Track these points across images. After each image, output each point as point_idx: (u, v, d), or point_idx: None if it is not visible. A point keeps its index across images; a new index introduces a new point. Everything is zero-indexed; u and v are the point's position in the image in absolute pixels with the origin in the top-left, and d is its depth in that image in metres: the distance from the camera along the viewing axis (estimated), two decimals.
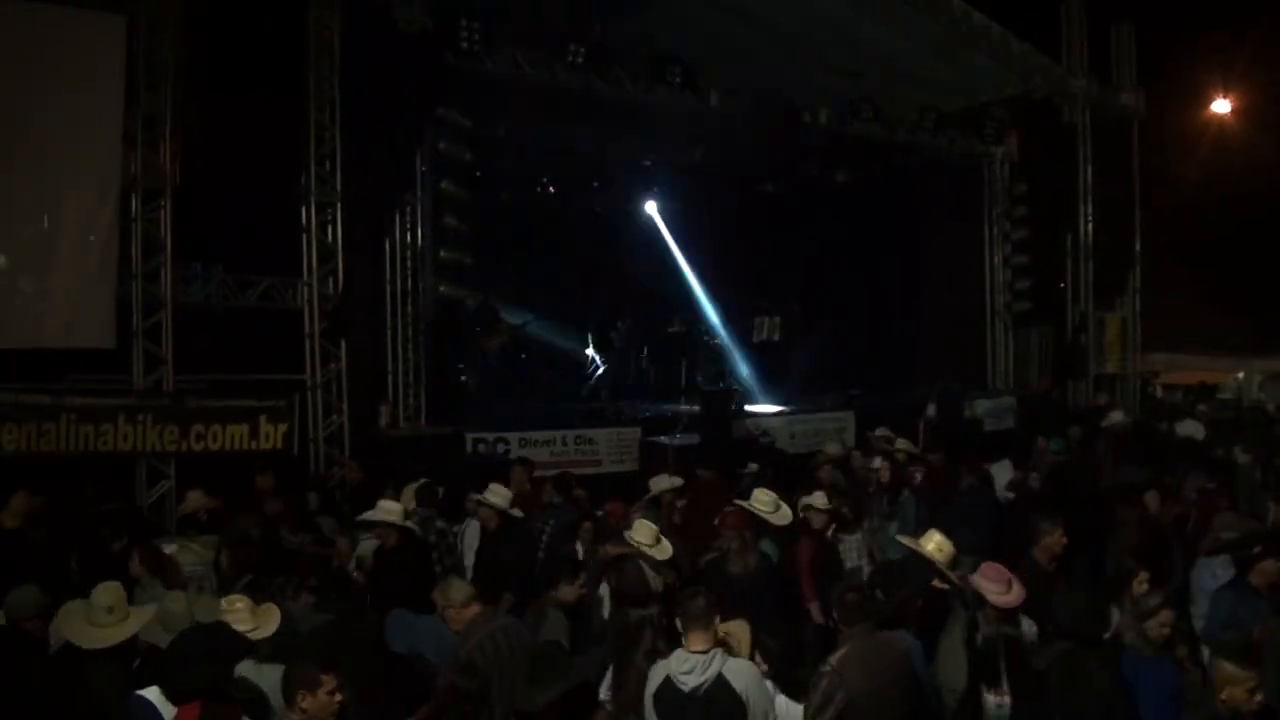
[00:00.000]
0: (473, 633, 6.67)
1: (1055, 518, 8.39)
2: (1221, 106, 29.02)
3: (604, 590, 8.34)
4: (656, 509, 10.63)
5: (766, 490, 9.55)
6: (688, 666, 5.62)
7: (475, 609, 6.89)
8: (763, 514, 9.24)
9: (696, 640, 5.69)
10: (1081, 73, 20.17)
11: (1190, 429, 15.45)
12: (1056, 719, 6.12)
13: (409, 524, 9.13)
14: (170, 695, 4.74)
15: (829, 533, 9.73)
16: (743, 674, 5.64)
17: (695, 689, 5.55)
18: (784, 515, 9.34)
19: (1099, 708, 6.01)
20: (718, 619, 5.84)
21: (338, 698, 5.05)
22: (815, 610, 8.95)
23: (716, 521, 9.88)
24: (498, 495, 9.73)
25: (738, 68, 17.08)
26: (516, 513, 9.77)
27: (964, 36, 17.83)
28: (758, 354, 21.84)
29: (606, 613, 8.10)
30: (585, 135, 20.13)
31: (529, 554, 9.64)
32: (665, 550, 8.53)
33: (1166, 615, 6.15)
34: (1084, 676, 6.18)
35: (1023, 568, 7.69)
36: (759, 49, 16.86)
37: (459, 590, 6.96)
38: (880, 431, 14.48)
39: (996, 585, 6.66)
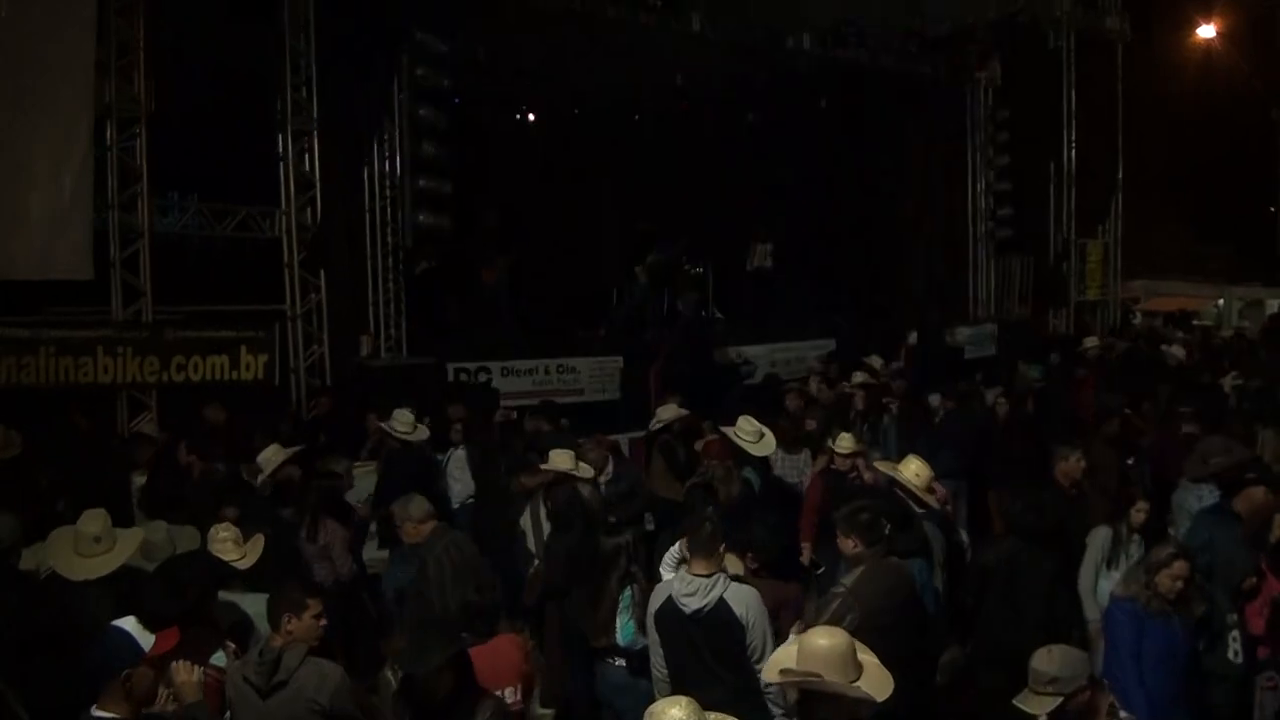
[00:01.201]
0: (432, 547, 6.88)
1: (1073, 442, 8.58)
2: (1206, 31, 28.92)
3: (524, 521, 8.48)
4: (670, 433, 10.58)
5: (750, 419, 9.55)
6: (691, 589, 5.64)
7: (432, 525, 7.03)
8: (745, 444, 9.24)
9: (701, 565, 5.70)
10: None
11: (1173, 354, 15.53)
12: (1004, 610, 6.63)
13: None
14: (147, 622, 4.74)
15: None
16: (744, 598, 5.66)
17: (697, 611, 5.58)
18: (766, 445, 9.33)
19: (1040, 598, 6.62)
20: (723, 546, 5.87)
21: (323, 621, 5.07)
22: (807, 551, 8.83)
23: (699, 448, 9.94)
24: (402, 423, 9.83)
25: None
26: (422, 432, 9.93)
27: None
28: (742, 282, 21.73)
29: (532, 542, 8.34)
30: (565, 59, 19.91)
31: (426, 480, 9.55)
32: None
33: (1180, 567, 5.85)
34: (1028, 569, 6.70)
35: (1047, 494, 7.79)
36: None
37: (418, 506, 7.08)
38: (870, 359, 14.50)
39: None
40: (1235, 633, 6.24)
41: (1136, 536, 7.32)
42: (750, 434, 9.29)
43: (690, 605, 5.61)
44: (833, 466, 9.18)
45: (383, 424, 10.05)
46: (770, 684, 4.35)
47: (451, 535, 7.08)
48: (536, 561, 8.25)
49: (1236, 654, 6.25)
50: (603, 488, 9.14)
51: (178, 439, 10.19)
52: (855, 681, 4.23)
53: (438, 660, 4.64)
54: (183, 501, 7.77)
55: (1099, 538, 7.37)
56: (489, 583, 6.88)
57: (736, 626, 5.56)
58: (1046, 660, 4.72)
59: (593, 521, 7.79)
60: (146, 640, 4.47)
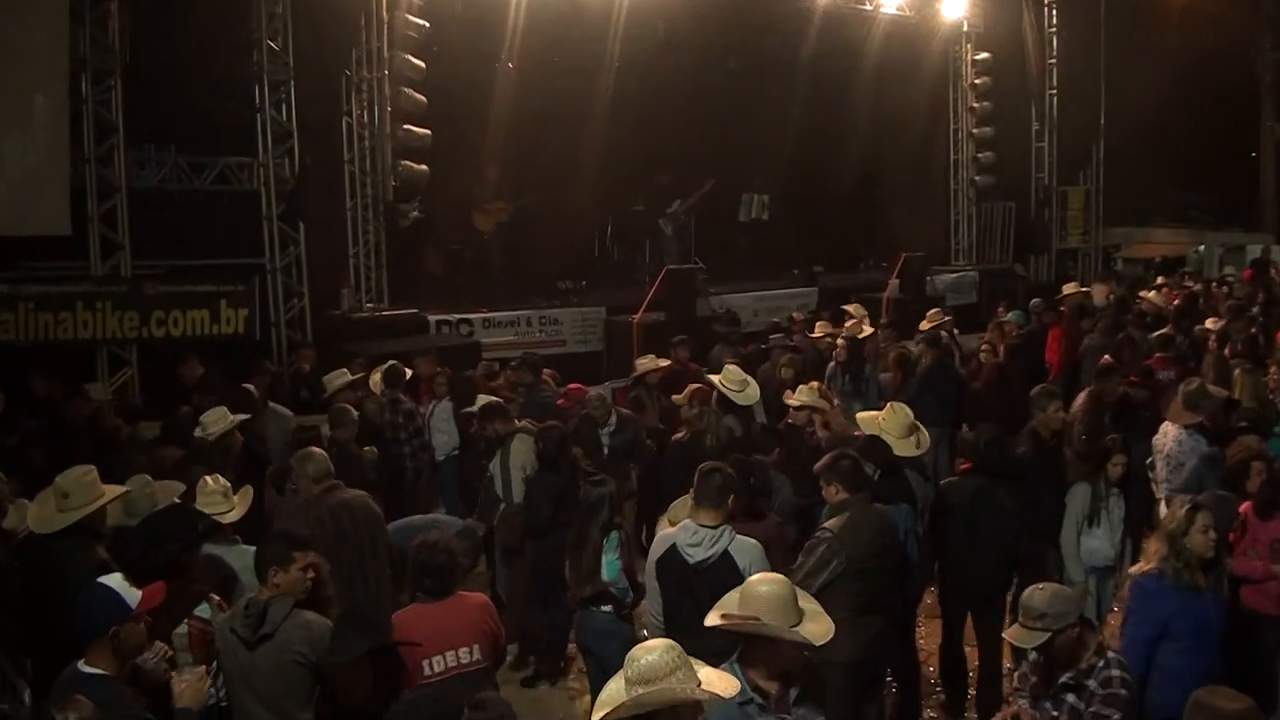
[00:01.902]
0: (313, 506, 6.68)
1: (1052, 391, 8.56)
2: None
3: (494, 466, 8.54)
4: (643, 386, 10.73)
5: (736, 368, 9.60)
6: (696, 540, 5.68)
7: (326, 484, 6.85)
8: (730, 392, 9.30)
9: (707, 515, 5.73)
10: None
11: (1152, 300, 15.58)
12: (966, 543, 6.98)
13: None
14: (132, 577, 4.75)
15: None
16: (747, 551, 5.70)
17: (701, 562, 5.62)
18: (751, 394, 9.39)
19: (1005, 531, 6.99)
20: (730, 498, 5.89)
21: (310, 574, 5.09)
22: None
23: (682, 396, 9.98)
24: (339, 378, 9.86)
25: None
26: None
27: None
28: (726, 231, 21.68)
29: (499, 486, 8.41)
30: (545, 9, 19.72)
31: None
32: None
33: (1205, 517, 5.68)
34: (989, 504, 7.00)
35: (1025, 441, 8.03)
36: None
37: (316, 464, 6.93)
38: (852, 306, 14.51)
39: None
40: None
41: (1115, 490, 7.36)
42: (736, 383, 9.37)
43: (695, 556, 5.64)
44: (789, 420, 9.17)
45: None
46: (711, 627, 4.39)
47: (344, 496, 6.87)
48: (502, 505, 8.34)
49: None
50: (606, 439, 9.24)
51: (110, 402, 10.15)
52: (796, 626, 4.30)
53: (357, 651, 4.62)
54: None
55: (1078, 496, 7.39)
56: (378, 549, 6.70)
57: (739, 579, 5.57)
58: (1037, 597, 4.79)
59: (576, 467, 7.92)
60: (133, 596, 4.47)
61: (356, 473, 8.23)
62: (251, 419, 9.22)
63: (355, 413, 9.03)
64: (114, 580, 4.56)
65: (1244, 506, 6.73)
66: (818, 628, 4.40)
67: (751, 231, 21.39)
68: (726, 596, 4.53)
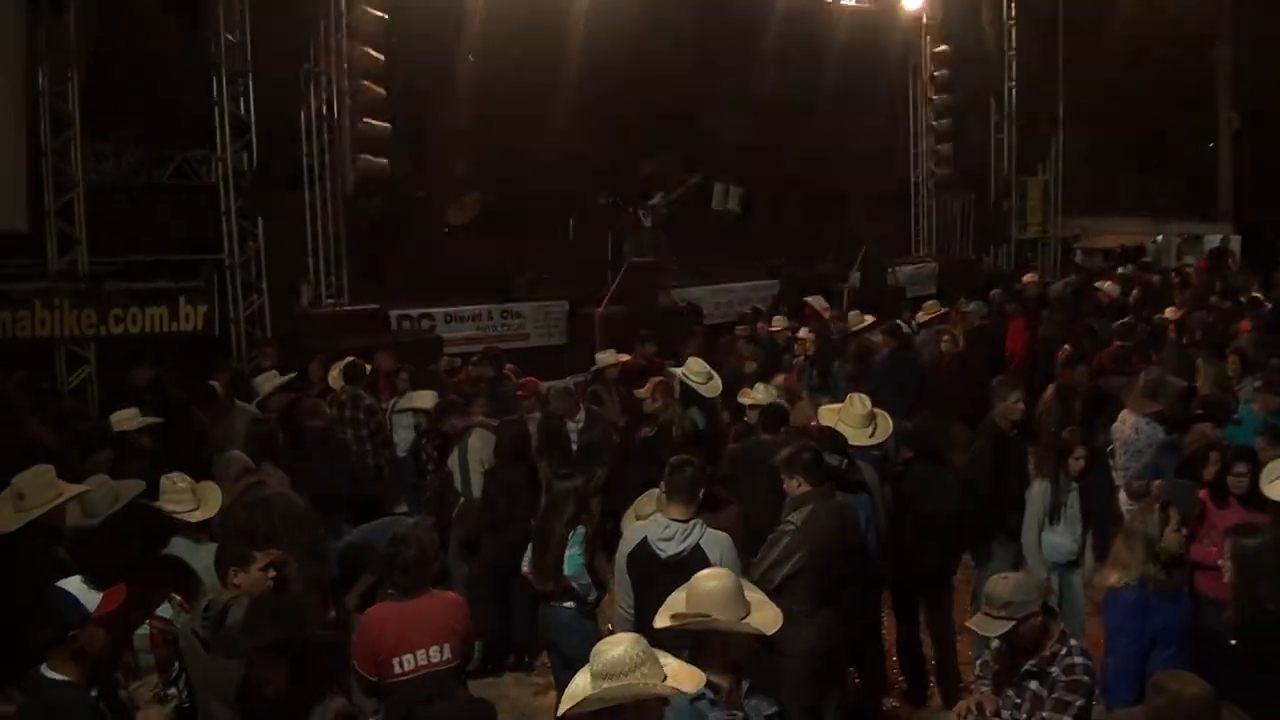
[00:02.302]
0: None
1: (1014, 382, 8.55)
2: None
3: (452, 461, 8.55)
4: (602, 381, 10.72)
5: (700, 360, 9.63)
6: (668, 534, 5.69)
7: (245, 481, 6.89)
8: (694, 384, 9.33)
9: (679, 509, 5.74)
10: None
11: (1109, 290, 15.72)
12: (919, 526, 7.19)
13: None
14: (92, 580, 4.70)
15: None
16: (719, 545, 5.71)
17: (673, 556, 5.62)
18: (714, 387, 9.43)
19: (949, 516, 7.25)
20: (702, 490, 5.91)
21: (271, 573, 5.05)
22: None
23: (645, 390, 10.00)
24: (271, 380, 9.81)
25: None
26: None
27: None
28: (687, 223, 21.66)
29: (459, 481, 8.42)
30: (503, 2, 19.70)
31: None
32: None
33: (1177, 517, 5.77)
34: (936, 486, 7.31)
35: (984, 432, 8.09)
36: None
37: (232, 463, 7.02)
38: (814, 301, 14.55)
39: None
40: None
41: (1075, 485, 7.32)
42: (700, 375, 9.41)
43: (667, 550, 5.65)
44: (745, 419, 9.07)
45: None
46: (662, 629, 4.42)
47: (264, 494, 6.82)
48: (461, 501, 8.36)
49: None
50: (575, 435, 9.22)
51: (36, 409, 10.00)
52: (745, 618, 4.33)
53: (264, 641, 4.52)
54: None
55: (1036, 493, 7.36)
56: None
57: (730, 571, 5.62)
58: (1000, 585, 4.84)
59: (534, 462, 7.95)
60: (92, 599, 4.42)
61: (343, 459, 8.27)
62: (215, 416, 9.21)
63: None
64: (72, 584, 4.52)
65: (1201, 494, 6.86)
66: (766, 616, 4.45)
67: (718, 223, 21.42)
68: (672, 596, 4.54)
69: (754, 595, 4.52)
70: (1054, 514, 7.26)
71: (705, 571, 4.59)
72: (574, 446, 9.24)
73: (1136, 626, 5.50)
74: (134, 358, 10.99)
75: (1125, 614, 5.54)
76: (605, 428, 9.54)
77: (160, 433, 8.73)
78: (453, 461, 8.59)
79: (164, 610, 5.08)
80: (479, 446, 8.49)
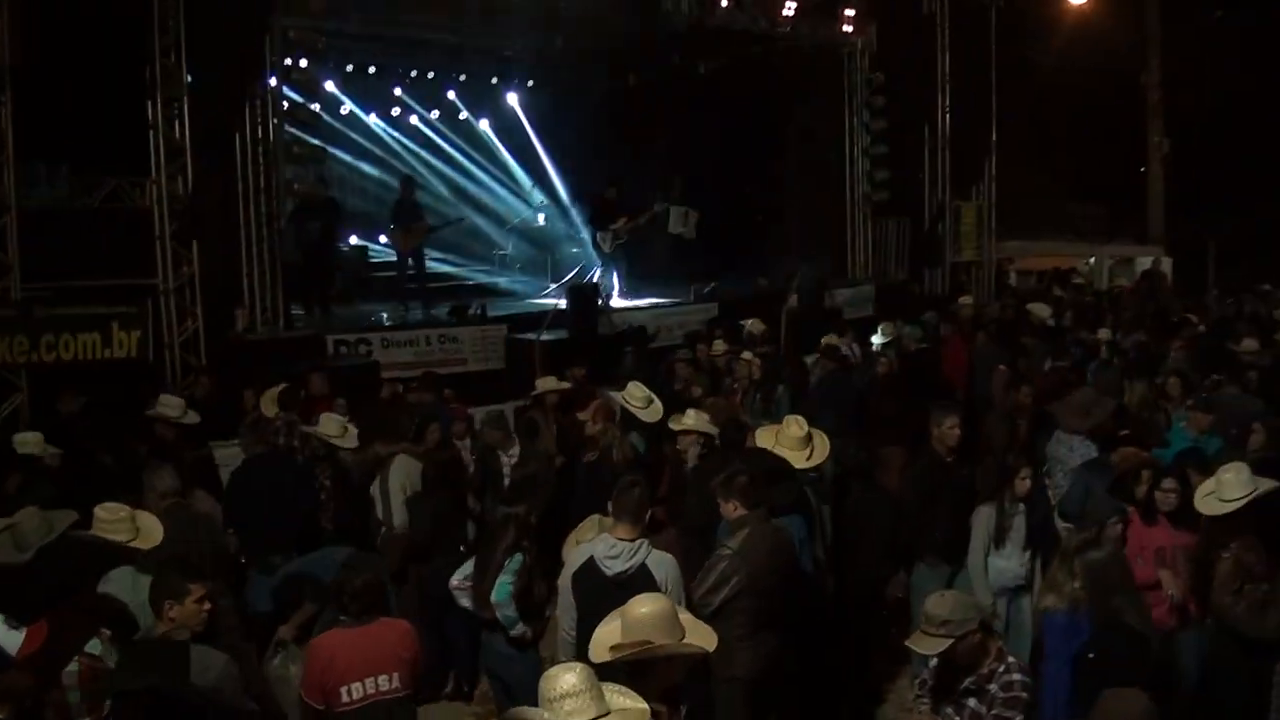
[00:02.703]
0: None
1: (950, 407, 8.51)
2: None
3: (375, 489, 8.53)
4: (540, 408, 10.63)
5: (640, 385, 9.62)
6: (614, 552, 5.74)
7: (169, 502, 6.87)
8: (634, 409, 9.32)
9: (625, 529, 5.79)
10: None
11: (1040, 311, 15.92)
12: (857, 544, 7.44)
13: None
14: (13, 620, 4.60)
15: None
16: (664, 564, 5.77)
17: (619, 574, 5.65)
18: (654, 411, 9.41)
19: (884, 530, 7.50)
20: (649, 512, 5.94)
21: (206, 606, 4.98)
22: None
23: (586, 414, 9.99)
24: (169, 406, 9.59)
25: None
26: (192, 418, 9.65)
27: None
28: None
29: (380, 510, 8.42)
30: (438, 25, 19.72)
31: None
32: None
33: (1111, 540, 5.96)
34: (868, 504, 7.59)
35: (921, 457, 8.20)
36: None
37: (161, 478, 6.99)
38: (752, 324, 14.58)
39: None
40: None
41: (1021, 507, 7.34)
42: (640, 400, 9.40)
43: (613, 568, 5.69)
44: (676, 447, 8.92)
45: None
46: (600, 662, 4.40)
47: (190, 512, 6.90)
48: (384, 529, 8.29)
49: None
50: (508, 468, 9.12)
51: None
52: (683, 640, 4.34)
53: (133, 687, 4.44)
54: None
55: (982, 518, 7.38)
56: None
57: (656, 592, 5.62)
58: (938, 604, 4.89)
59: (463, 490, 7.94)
60: (13, 640, 4.33)
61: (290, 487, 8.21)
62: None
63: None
64: None
65: (1131, 513, 6.94)
66: (704, 635, 4.46)
67: (664, 245, 21.54)
68: (604, 629, 4.53)
69: (685, 616, 4.55)
70: (1000, 538, 7.28)
71: (638, 598, 4.58)
72: (505, 480, 9.08)
73: (1068, 649, 5.55)
74: (64, 385, 10.80)
75: (1057, 637, 5.62)
76: (541, 461, 9.39)
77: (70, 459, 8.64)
78: (375, 489, 8.53)
79: (93, 647, 4.98)
80: (401, 473, 8.45)
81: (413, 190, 17.93)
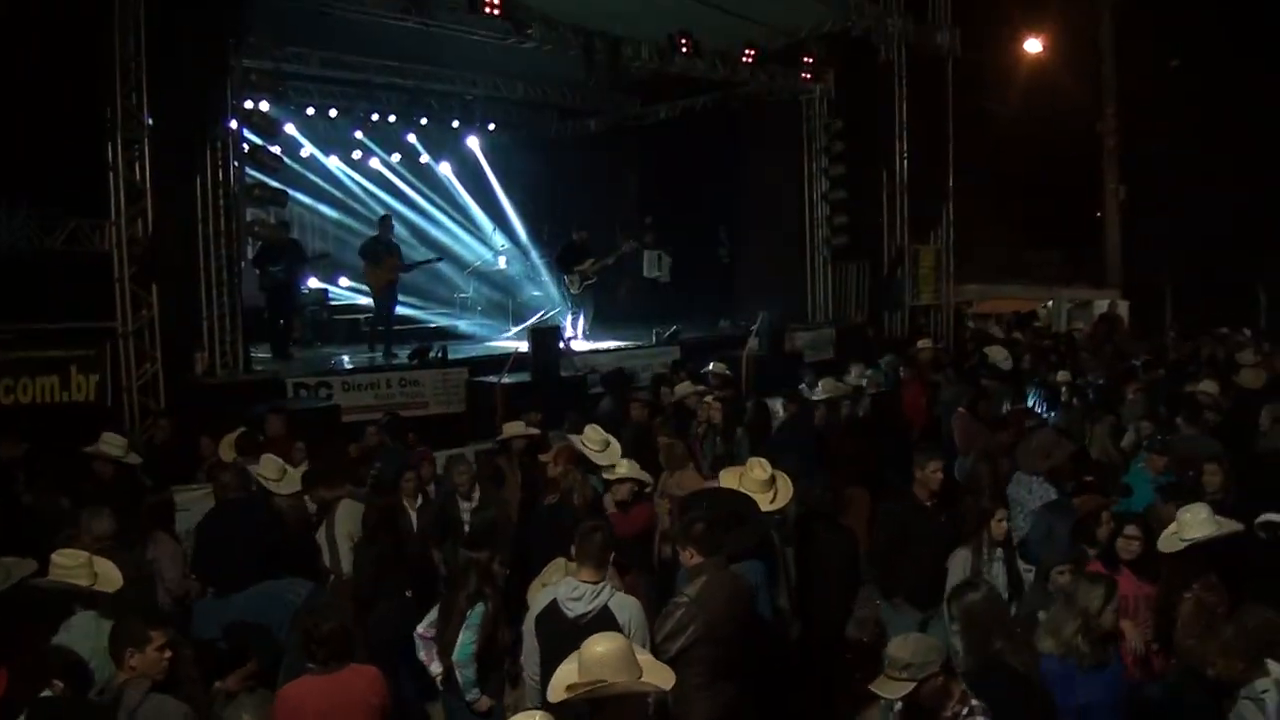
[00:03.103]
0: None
1: (931, 451, 8.43)
2: (1033, 46, 30.02)
3: (321, 535, 8.48)
4: (506, 453, 10.56)
5: (597, 428, 9.60)
6: (577, 594, 5.75)
7: (107, 544, 6.85)
8: (590, 452, 9.30)
9: (588, 573, 5.81)
10: (898, 12, 20.48)
11: (997, 355, 16.05)
12: (817, 586, 7.45)
13: None
14: None
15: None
16: (627, 607, 5.78)
17: (580, 616, 5.66)
18: (612, 454, 9.39)
19: (842, 569, 7.61)
20: (612, 555, 5.96)
21: (167, 654, 4.92)
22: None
23: (547, 457, 9.97)
24: (111, 445, 9.47)
25: (558, 1, 16.93)
26: (134, 459, 9.55)
27: None
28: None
29: (327, 557, 8.33)
30: (403, 66, 19.86)
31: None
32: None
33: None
34: (827, 544, 7.63)
35: (903, 506, 8.11)
36: None
37: (100, 522, 6.97)
38: (714, 367, 14.60)
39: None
40: None
41: (999, 551, 7.32)
42: (596, 443, 9.37)
43: (575, 610, 5.70)
44: (616, 498, 8.76)
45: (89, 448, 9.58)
46: (558, 702, 4.41)
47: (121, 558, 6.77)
48: (332, 577, 8.23)
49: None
50: (467, 513, 9.00)
51: None
52: (640, 678, 4.35)
53: None
54: None
55: (958, 563, 7.31)
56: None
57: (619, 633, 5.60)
58: (900, 647, 4.89)
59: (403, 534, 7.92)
60: None
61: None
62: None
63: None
64: None
65: (1093, 564, 6.82)
66: (662, 674, 4.47)
67: (626, 289, 21.67)
68: (562, 669, 4.53)
69: (643, 656, 4.56)
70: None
71: (594, 637, 4.61)
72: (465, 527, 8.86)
73: (1066, 701, 5.52)
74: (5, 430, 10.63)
75: (1052, 685, 5.54)
76: (501, 509, 9.21)
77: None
78: (321, 536, 8.47)
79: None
80: (346, 519, 8.39)
81: (390, 228, 17.88)
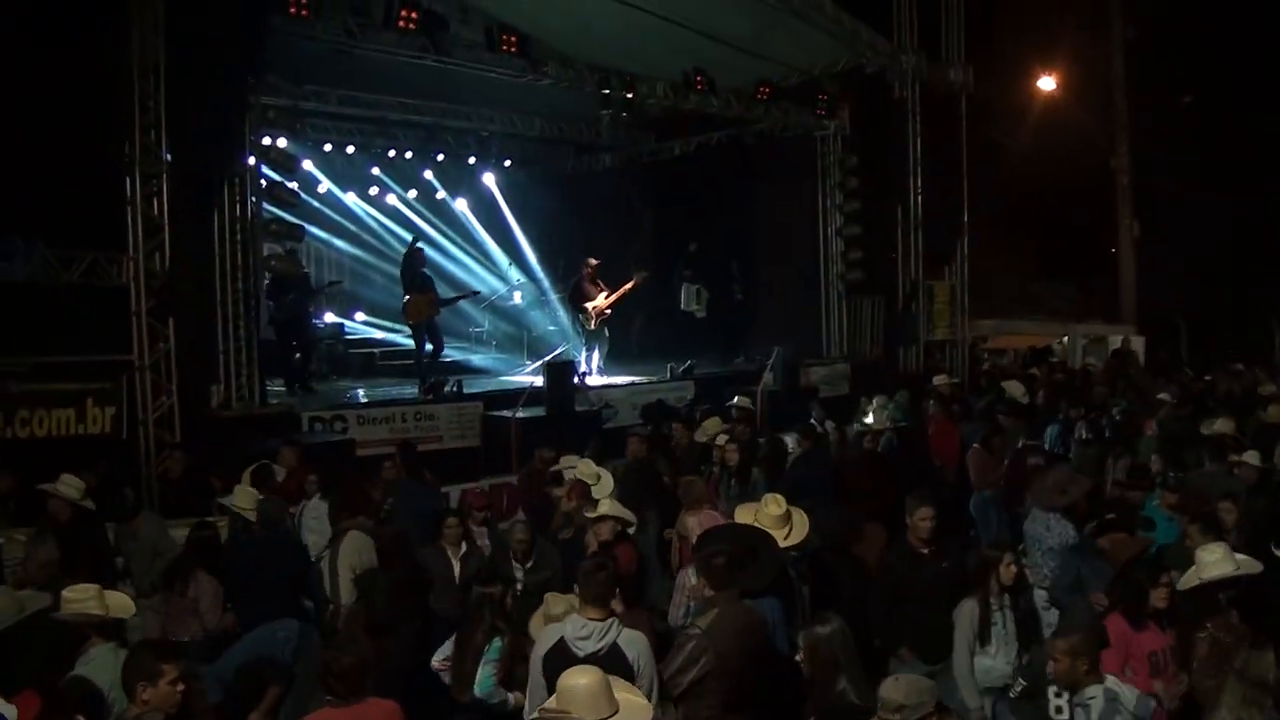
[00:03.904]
0: None
1: (924, 497, 7.98)
2: (1046, 83, 30.11)
3: (324, 564, 8.53)
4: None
5: (589, 462, 9.62)
6: (585, 633, 5.71)
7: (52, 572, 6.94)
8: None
9: (594, 611, 5.78)
10: (911, 49, 20.58)
11: (1015, 390, 16.00)
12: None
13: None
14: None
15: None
16: (635, 644, 5.74)
17: (590, 655, 5.59)
18: (604, 487, 9.40)
19: (852, 601, 7.31)
20: (618, 590, 5.97)
21: (180, 687, 4.91)
22: None
23: (562, 490, 9.97)
24: (69, 486, 9.28)
25: (573, 40, 17.07)
26: (88, 505, 9.36)
27: (797, 11, 18.01)
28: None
29: (327, 585, 8.40)
30: (421, 104, 20.01)
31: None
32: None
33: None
34: (841, 575, 7.60)
35: (898, 555, 7.86)
36: (593, 20, 16.87)
37: (47, 550, 7.11)
38: (739, 400, 14.53)
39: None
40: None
41: (1006, 598, 6.96)
42: (588, 476, 9.40)
43: (584, 649, 5.65)
44: (599, 537, 8.44)
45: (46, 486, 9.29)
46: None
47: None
48: (331, 606, 8.29)
49: (1060, 710, 5.99)
50: (522, 574, 8.64)
51: None
52: (611, 717, 4.39)
53: None
54: None
55: (965, 614, 6.94)
56: None
57: (627, 671, 5.57)
58: (893, 689, 4.86)
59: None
60: (10, 712, 4.29)
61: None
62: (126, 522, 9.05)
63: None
64: None
65: (1113, 619, 6.52)
66: (635, 718, 4.49)
67: (640, 324, 21.71)
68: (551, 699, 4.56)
69: (626, 696, 4.55)
70: (984, 634, 6.84)
71: (575, 669, 4.62)
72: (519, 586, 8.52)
73: None
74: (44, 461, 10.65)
75: None
76: (557, 571, 8.79)
77: None
78: (324, 565, 8.49)
79: None
80: (350, 552, 8.39)
81: (423, 261, 17.80)
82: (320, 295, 17.83)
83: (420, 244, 18.41)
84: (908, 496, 8.08)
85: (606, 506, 8.53)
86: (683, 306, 20.73)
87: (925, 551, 7.72)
